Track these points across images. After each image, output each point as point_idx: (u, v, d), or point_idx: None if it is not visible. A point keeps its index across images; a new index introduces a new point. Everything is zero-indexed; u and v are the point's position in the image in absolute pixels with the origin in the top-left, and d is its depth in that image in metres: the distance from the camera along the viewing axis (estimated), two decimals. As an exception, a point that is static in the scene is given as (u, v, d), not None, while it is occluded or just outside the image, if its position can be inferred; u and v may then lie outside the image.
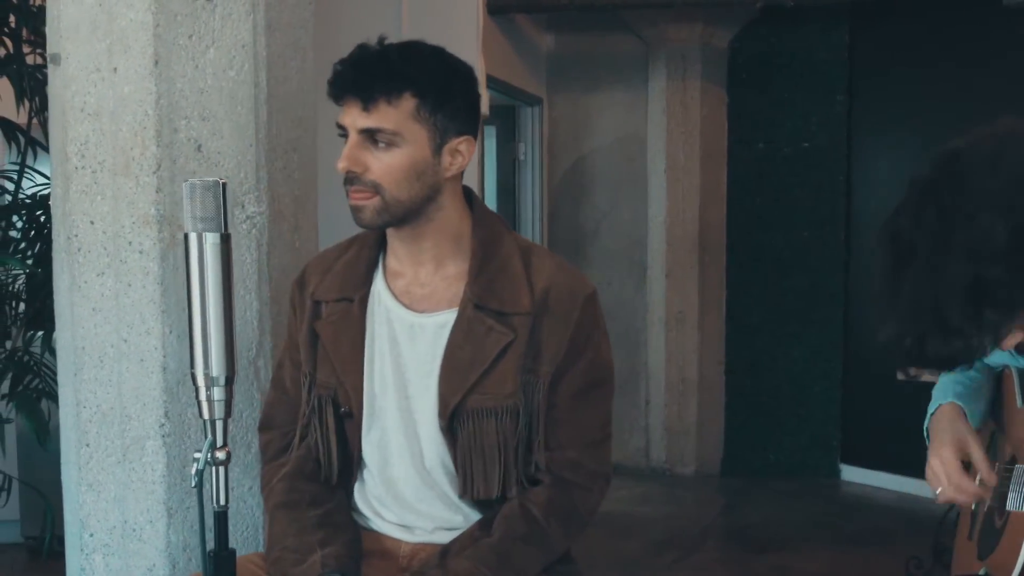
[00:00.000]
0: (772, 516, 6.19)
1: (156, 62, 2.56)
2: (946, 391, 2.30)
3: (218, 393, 1.66)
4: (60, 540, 2.93)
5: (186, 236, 1.65)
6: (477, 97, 2.23)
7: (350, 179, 2.12)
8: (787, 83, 6.94)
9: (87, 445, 2.65)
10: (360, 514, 2.31)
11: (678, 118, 6.98)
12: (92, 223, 2.60)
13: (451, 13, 5.44)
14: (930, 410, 2.31)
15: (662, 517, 6.06)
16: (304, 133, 2.81)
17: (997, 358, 2.30)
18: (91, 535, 2.67)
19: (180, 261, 2.58)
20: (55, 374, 3.87)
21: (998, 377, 2.38)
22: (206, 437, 1.67)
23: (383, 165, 2.10)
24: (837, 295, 6.88)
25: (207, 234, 1.62)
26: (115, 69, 2.56)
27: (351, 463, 2.28)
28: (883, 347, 1.77)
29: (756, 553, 5.51)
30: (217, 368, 1.65)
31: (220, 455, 1.67)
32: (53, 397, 3.87)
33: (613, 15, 6.87)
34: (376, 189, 2.10)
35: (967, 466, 2.19)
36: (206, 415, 1.66)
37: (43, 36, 3.86)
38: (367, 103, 2.09)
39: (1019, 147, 1.70)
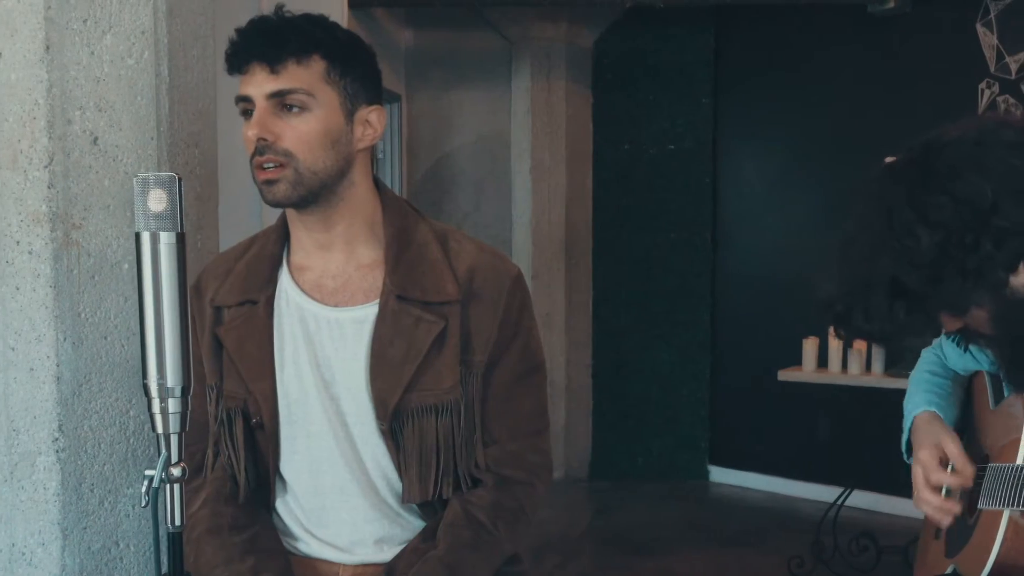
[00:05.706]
0: (646, 519, 6.19)
1: (47, 47, 2.37)
2: (917, 402, 2.32)
3: (173, 405, 1.51)
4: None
5: (137, 235, 1.49)
6: (379, 68, 2.13)
7: (260, 149, 1.97)
8: (652, 84, 6.96)
9: (-32, 463, 2.45)
10: (290, 535, 2.14)
11: (543, 118, 6.93)
12: (-27, 221, 2.40)
13: (315, 8, 5.29)
14: (906, 425, 2.32)
15: (536, 522, 5.94)
16: (205, 127, 2.64)
17: (966, 363, 2.31)
18: (-27, 560, 2.47)
19: (75, 262, 2.40)
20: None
21: (967, 383, 2.38)
22: (160, 453, 1.52)
23: (297, 132, 1.97)
24: (704, 296, 6.93)
25: (162, 233, 1.48)
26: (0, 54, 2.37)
27: (268, 478, 2.11)
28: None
29: (635, 557, 5.48)
30: (173, 378, 1.50)
31: (175, 471, 1.52)
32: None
33: (475, 12, 6.78)
34: (289, 158, 1.96)
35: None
36: (160, 428, 1.52)
37: None
38: (275, 65, 1.97)
39: (979, 168, 1.71)
